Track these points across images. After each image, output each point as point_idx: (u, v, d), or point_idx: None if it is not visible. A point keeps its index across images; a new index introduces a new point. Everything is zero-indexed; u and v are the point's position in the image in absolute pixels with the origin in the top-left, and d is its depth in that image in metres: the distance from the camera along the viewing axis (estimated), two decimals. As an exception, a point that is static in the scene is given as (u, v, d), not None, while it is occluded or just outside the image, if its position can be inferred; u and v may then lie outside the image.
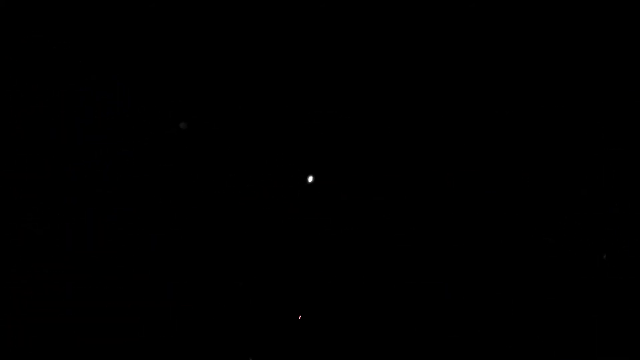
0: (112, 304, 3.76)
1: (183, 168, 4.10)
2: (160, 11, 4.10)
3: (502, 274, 3.91)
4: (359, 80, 4.19)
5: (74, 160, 3.96)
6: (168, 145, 4.11)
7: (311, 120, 4.16)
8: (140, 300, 3.80)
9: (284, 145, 4.16)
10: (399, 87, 4.18)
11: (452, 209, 4.04)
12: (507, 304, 3.84)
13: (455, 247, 3.97)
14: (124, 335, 3.71)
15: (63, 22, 3.99)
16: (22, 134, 3.91)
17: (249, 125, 4.17)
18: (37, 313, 3.70)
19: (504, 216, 3.99)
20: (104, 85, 4.03)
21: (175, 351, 3.77)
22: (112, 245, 3.88)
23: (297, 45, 4.17)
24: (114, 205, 3.94)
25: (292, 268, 4.04)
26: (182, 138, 4.13)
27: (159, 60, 4.13)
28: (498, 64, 4.12)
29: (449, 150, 4.11)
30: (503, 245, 3.94)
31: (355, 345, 3.84)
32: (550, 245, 3.90)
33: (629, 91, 3.97)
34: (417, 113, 4.16)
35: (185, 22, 4.13)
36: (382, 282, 4.02)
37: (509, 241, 3.95)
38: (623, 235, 3.81)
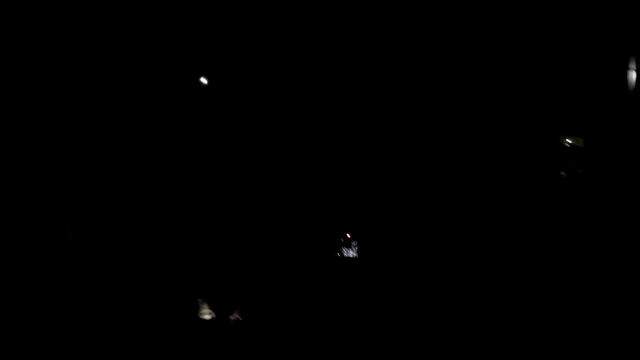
0: (112, 304, 3.76)
1: (183, 168, 4.10)
2: (160, 12, 4.10)
3: (502, 273, 3.91)
4: (359, 80, 4.19)
5: (74, 160, 3.96)
6: (168, 145, 4.11)
7: (311, 120, 4.16)
8: (140, 300, 3.79)
9: (284, 146, 4.16)
10: (398, 87, 4.18)
11: (452, 209, 4.04)
12: (507, 303, 3.84)
13: (455, 247, 3.97)
14: (124, 335, 3.70)
15: (63, 22, 3.99)
16: (22, 134, 3.92)
17: (249, 126, 4.17)
18: (37, 313, 3.70)
19: (504, 216, 3.99)
20: (104, 85, 4.03)
21: (175, 351, 3.77)
22: (112, 245, 3.88)
23: (297, 46, 4.17)
24: (114, 205, 3.94)
25: (292, 268, 4.04)
26: (182, 138, 4.13)
27: (158, 60, 4.13)
28: (498, 66, 4.12)
29: (449, 150, 4.11)
30: (503, 245, 3.94)
31: (356, 344, 3.84)
32: (550, 245, 3.90)
33: (628, 93, 3.98)
34: (417, 113, 4.16)
35: (185, 22, 4.13)
36: (383, 281, 4.02)
37: (509, 241, 3.95)
38: (623, 235, 3.81)
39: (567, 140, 4.03)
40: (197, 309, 3.93)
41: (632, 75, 3.94)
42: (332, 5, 4.12)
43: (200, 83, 4.18)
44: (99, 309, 3.73)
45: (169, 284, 3.88)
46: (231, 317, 3.95)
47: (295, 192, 4.10)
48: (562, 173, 4.02)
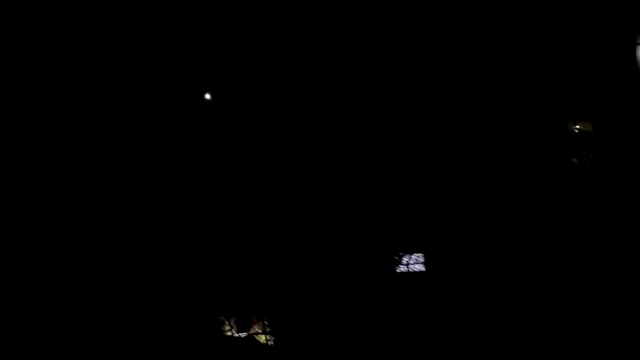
0: (112, 304, 3.76)
1: (183, 168, 4.10)
2: (159, 12, 4.10)
3: (502, 273, 3.91)
4: (358, 81, 4.19)
5: (74, 160, 3.96)
6: (168, 145, 4.11)
7: (311, 120, 4.17)
8: (140, 300, 3.79)
9: (284, 146, 4.17)
10: (398, 88, 4.19)
11: (452, 209, 4.04)
12: (507, 303, 3.84)
13: (455, 247, 3.97)
14: (124, 335, 3.71)
15: (63, 22, 4.00)
16: (22, 134, 3.92)
17: (248, 126, 4.17)
18: (37, 313, 3.70)
19: (504, 216, 3.99)
20: (104, 85, 4.03)
21: (175, 351, 3.77)
22: (112, 245, 3.88)
23: (297, 46, 4.18)
24: (114, 205, 3.94)
25: (292, 268, 4.04)
26: (182, 138, 4.14)
27: (158, 60, 4.13)
28: (497, 66, 4.12)
29: (448, 150, 4.11)
30: (503, 245, 3.94)
31: (356, 344, 3.84)
32: (550, 245, 3.90)
33: (627, 94, 3.98)
34: (417, 114, 4.16)
35: (185, 22, 4.13)
36: (382, 281, 4.03)
37: (509, 241, 3.95)
38: (623, 235, 3.81)
39: (576, 126, 4.00)
40: (197, 309, 3.93)
41: None
42: (332, 5, 4.12)
43: (200, 83, 4.18)
44: (99, 309, 3.73)
45: (168, 284, 3.88)
46: (231, 318, 3.95)
47: (295, 192, 4.10)
48: (574, 160, 4.00)
